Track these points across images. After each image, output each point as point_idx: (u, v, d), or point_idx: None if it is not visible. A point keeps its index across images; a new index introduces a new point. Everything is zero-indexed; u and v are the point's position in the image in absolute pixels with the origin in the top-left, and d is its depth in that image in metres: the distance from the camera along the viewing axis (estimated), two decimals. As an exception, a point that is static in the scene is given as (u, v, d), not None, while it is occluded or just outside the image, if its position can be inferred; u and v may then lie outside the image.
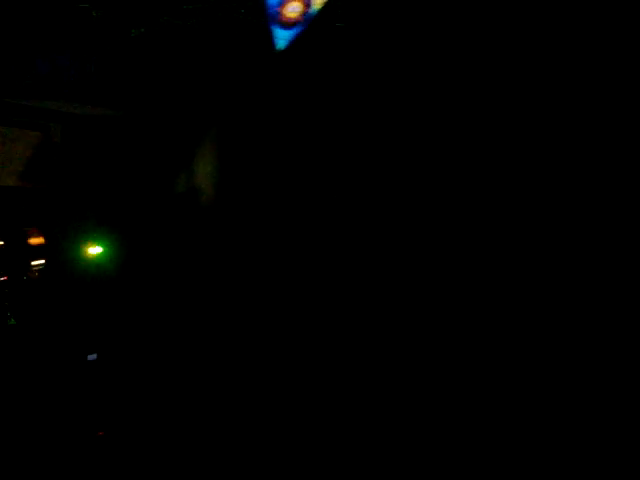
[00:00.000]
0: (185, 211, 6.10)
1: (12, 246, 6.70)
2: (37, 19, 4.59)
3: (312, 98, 5.37)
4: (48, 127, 6.06)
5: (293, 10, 3.82)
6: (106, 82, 5.52)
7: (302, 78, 5.19)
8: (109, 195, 6.00)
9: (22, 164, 6.15)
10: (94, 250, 5.71)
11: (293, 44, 4.04)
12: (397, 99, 5.00)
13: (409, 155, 4.89)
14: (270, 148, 5.66)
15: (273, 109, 5.58)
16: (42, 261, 6.30)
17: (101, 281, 5.64)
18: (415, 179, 4.79)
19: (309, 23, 3.89)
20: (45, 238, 6.24)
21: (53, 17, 4.52)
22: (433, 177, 4.65)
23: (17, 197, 6.19)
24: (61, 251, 6.00)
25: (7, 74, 5.32)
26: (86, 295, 5.59)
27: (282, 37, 4.02)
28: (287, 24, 3.88)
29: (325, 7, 3.82)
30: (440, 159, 4.62)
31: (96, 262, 5.71)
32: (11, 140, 6.03)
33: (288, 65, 5.01)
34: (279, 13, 3.76)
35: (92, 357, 4.63)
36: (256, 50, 4.76)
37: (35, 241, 6.39)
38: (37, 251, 6.42)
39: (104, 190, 5.99)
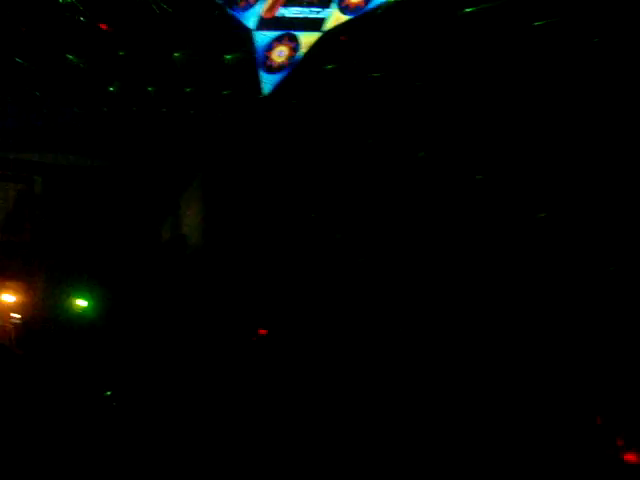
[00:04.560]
0: (171, 258, 6.00)
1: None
2: (22, 70, 4.54)
3: (298, 142, 5.34)
4: (31, 179, 5.97)
5: (280, 55, 3.80)
6: (91, 132, 5.48)
7: (288, 122, 5.18)
8: (94, 246, 5.89)
9: (3, 217, 6.04)
10: (80, 302, 5.57)
11: (279, 87, 4.01)
12: (384, 138, 5.00)
13: (392, 197, 4.91)
14: (258, 193, 5.61)
15: (259, 154, 5.55)
16: (19, 315, 6.14)
17: (87, 333, 5.49)
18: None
19: (294, 67, 3.87)
20: (28, 291, 6.10)
21: (38, 67, 4.48)
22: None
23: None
24: (45, 304, 5.85)
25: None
26: (71, 348, 5.43)
27: (268, 81, 4.00)
28: (274, 68, 3.86)
29: (311, 50, 3.81)
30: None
31: (82, 314, 5.57)
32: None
33: (274, 109, 5.00)
34: (267, 58, 3.74)
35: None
36: (242, 95, 4.74)
37: (16, 294, 6.25)
38: (18, 304, 6.27)
39: (89, 241, 5.89)
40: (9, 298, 6.31)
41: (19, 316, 6.25)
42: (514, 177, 4.43)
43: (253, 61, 3.83)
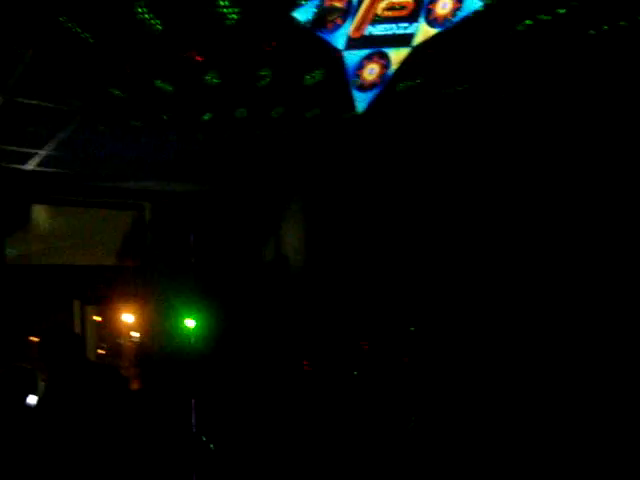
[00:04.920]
0: (274, 279, 6.09)
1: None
2: (123, 103, 4.76)
3: (396, 159, 5.28)
4: (141, 206, 6.27)
5: (371, 72, 3.77)
6: (193, 159, 5.69)
7: (385, 139, 5.14)
8: (201, 267, 6.08)
9: (119, 243, 6.37)
10: (189, 322, 5.76)
11: (373, 105, 3.99)
12: (481, 155, 4.85)
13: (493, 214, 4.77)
14: (357, 212, 5.59)
15: (358, 173, 5.54)
16: (138, 334, 6.43)
17: (195, 353, 5.66)
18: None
19: (386, 83, 3.84)
20: (142, 312, 6.38)
21: (137, 99, 4.68)
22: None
23: (115, 274, 6.40)
24: (157, 325, 6.09)
25: (103, 159, 5.57)
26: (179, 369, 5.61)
27: (362, 99, 3.98)
28: (366, 87, 3.84)
29: (402, 66, 3.75)
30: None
31: (191, 334, 5.75)
32: (109, 221, 6.27)
33: (369, 127, 4.98)
34: (358, 76, 3.73)
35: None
36: (337, 115, 4.75)
37: (132, 315, 6.55)
38: (134, 325, 6.57)
39: (195, 263, 6.09)
40: (128, 318, 6.65)
41: (138, 334, 6.58)
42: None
43: (345, 81, 3.83)
